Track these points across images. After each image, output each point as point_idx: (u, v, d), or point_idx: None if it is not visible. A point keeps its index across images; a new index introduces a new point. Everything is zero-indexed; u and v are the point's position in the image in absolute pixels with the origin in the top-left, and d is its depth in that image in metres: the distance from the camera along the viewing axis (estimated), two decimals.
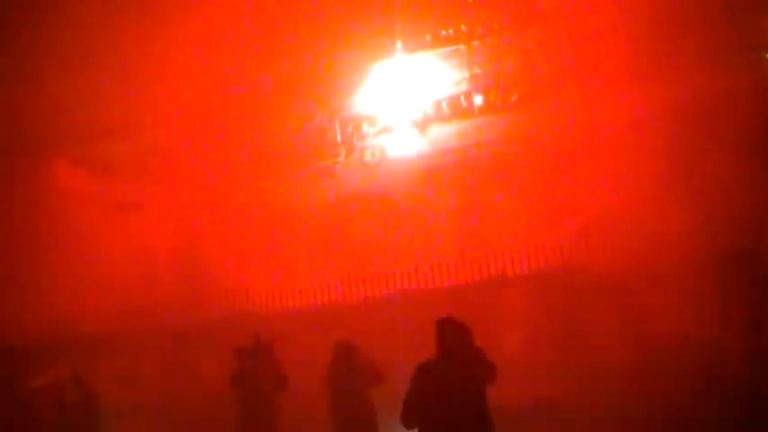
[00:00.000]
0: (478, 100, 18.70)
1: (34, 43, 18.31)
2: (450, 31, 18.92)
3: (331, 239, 17.53)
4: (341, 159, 18.94)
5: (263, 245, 17.24)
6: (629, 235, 14.03)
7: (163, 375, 15.11)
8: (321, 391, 11.32)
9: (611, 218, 14.58)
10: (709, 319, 12.05)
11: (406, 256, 16.35)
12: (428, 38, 19.07)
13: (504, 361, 8.27)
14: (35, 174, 18.68)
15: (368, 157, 18.81)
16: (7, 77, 18.33)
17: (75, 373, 13.66)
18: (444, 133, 18.61)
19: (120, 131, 18.84)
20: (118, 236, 17.39)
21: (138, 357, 15.18)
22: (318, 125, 19.26)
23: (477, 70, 18.55)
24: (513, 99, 18.25)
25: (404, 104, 19.02)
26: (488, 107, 18.57)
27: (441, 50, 18.86)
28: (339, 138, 19.25)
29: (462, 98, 18.78)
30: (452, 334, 7.96)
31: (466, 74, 18.62)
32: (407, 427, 8.01)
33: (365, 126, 19.16)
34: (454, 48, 18.76)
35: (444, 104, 18.91)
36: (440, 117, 18.89)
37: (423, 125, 18.87)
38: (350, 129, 19.27)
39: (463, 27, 18.83)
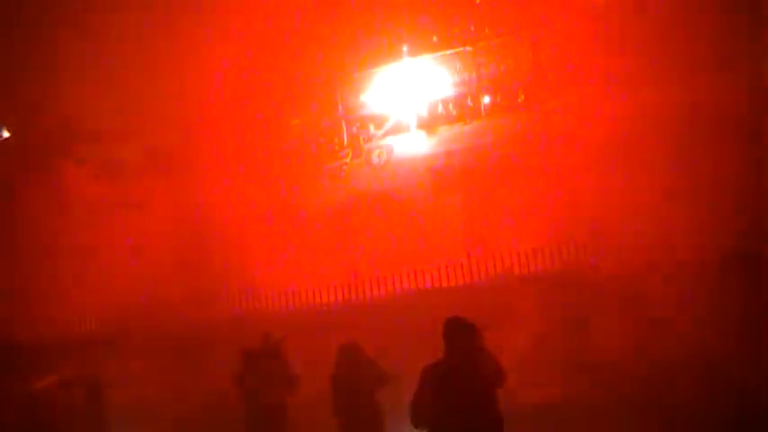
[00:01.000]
0: (485, 101, 18.71)
1: (41, 47, 18.41)
2: (458, 33, 18.93)
3: (338, 240, 17.55)
4: (348, 160, 18.97)
5: (270, 245, 17.26)
6: (634, 236, 14.00)
7: (169, 375, 15.11)
8: (327, 391, 11.30)
9: (617, 219, 14.55)
10: (713, 322, 12.03)
11: (413, 256, 16.34)
12: (435, 39, 19.10)
13: (510, 362, 8.27)
14: (41, 175, 18.76)
15: (375, 158, 18.84)
16: (15, 80, 18.44)
17: (82, 374, 13.70)
18: (451, 135, 18.63)
19: (127, 133, 18.91)
20: (124, 236, 17.44)
21: (145, 357, 15.19)
22: (326, 126, 19.31)
23: (484, 72, 18.55)
24: (519, 100, 18.27)
25: (411, 106, 19.04)
26: (495, 108, 18.59)
27: (448, 52, 18.87)
28: (346, 139, 19.29)
29: (469, 99, 18.81)
30: (460, 333, 7.94)
31: (473, 75, 18.63)
32: (417, 426, 8.00)
33: (372, 127, 19.19)
34: (461, 49, 18.77)
35: (451, 106, 18.94)
36: (446, 118, 18.91)
37: (429, 126, 18.90)
38: (356, 130, 19.30)
39: (470, 29, 18.86)
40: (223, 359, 12.77)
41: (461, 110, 18.88)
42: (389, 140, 18.99)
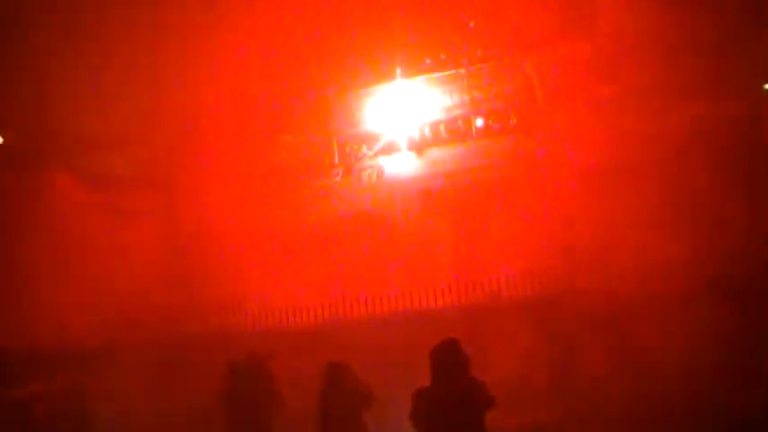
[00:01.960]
0: (477, 123, 18.74)
1: (35, 55, 18.38)
2: (450, 55, 18.98)
3: (326, 259, 17.53)
4: (338, 179, 18.95)
5: (259, 261, 17.20)
6: (624, 262, 14.04)
7: (155, 388, 15.01)
8: (312, 409, 11.23)
9: (607, 244, 14.59)
10: (700, 349, 12.06)
11: (402, 277, 16.33)
12: (428, 61, 19.14)
13: (496, 386, 8.26)
14: (32, 184, 18.67)
15: (365, 178, 18.82)
16: (8, 89, 18.39)
17: (69, 385, 13.62)
18: (442, 156, 18.65)
19: (118, 143, 18.87)
20: (114, 248, 17.35)
21: (131, 370, 15.09)
22: (317, 144, 19.29)
23: (476, 94, 18.59)
24: (511, 123, 18.31)
25: (402, 126, 19.06)
26: (486, 131, 18.62)
27: (440, 74, 18.92)
28: (337, 158, 19.28)
29: (460, 121, 18.83)
30: (448, 361, 7.94)
31: (465, 97, 18.67)
32: None
33: (363, 147, 19.19)
34: (453, 71, 18.81)
35: (442, 127, 18.95)
36: (438, 140, 18.92)
37: (421, 147, 18.91)
38: (348, 149, 19.30)
39: (463, 51, 18.90)
40: (209, 374, 12.71)
41: (453, 131, 18.88)
42: (380, 160, 18.98)
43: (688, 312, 12.64)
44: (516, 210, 16.90)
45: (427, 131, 19.02)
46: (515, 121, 18.29)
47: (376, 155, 19.08)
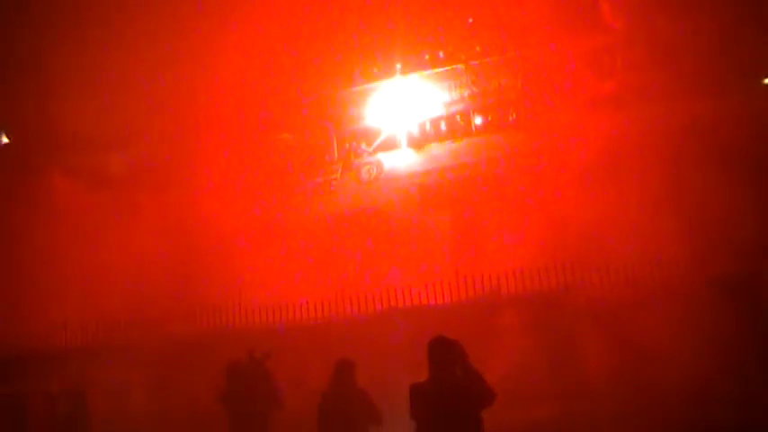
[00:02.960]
0: (476, 119, 18.76)
1: (34, 55, 18.40)
2: (449, 51, 18.99)
3: (326, 255, 17.55)
4: (338, 176, 18.98)
5: (258, 258, 17.22)
6: (623, 257, 14.06)
7: (154, 387, 15.04)
8: (310, 409, 11.18)
9: (606, 240, 14.60)
10: (700, 344, 12.07)
11: (401, 273, 16.34)
12: (426, 57, 19.15)
13: (495, 381, 8.27)
14: (31, 183, 18.70)
15: (364, 174, 18.85)
16: (7, 89, 18.42)
17: (67, 383, 13.64)
18: (441, 152, 18.67)
19: (118, 143, 18.87)
20: (112, 247, 17.36)
21: (130, 369, 15.10)
22: (316, 141, 19.32)
23: (476, 90, 18.61)
24: (511, 119, 18.33)
25: (402, 123, 19.08)
26: (486, 127, 18.64)
27: (439, 70, 18.93)
28: (336, 154, 19.30)
29: (460, 117, 18.85)
30: (445, 354, 7.95)
31: (464, 93, 18.68)
32: None
33: (363, 144, 19.22)
34: (452, 67, 18.83)
35: (442, 123, 18.98)
36: (437, 136, 18.94)
37: (420, 144, 18.93)
38: (347, 146, 19.33)
39: (461, 47, 18.93)
40: (209, 372, 12.71)
41: (452, 127, 18.91)
42: (380, 156, 19.01)
43: (687, 310, 12.63)
44: (515, 206, 16.93)
45: (427, 127, 19.03)
46: (515, 116, 18.31)
47: (375, 151, 19.11)
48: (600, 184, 15.69)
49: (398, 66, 19.24)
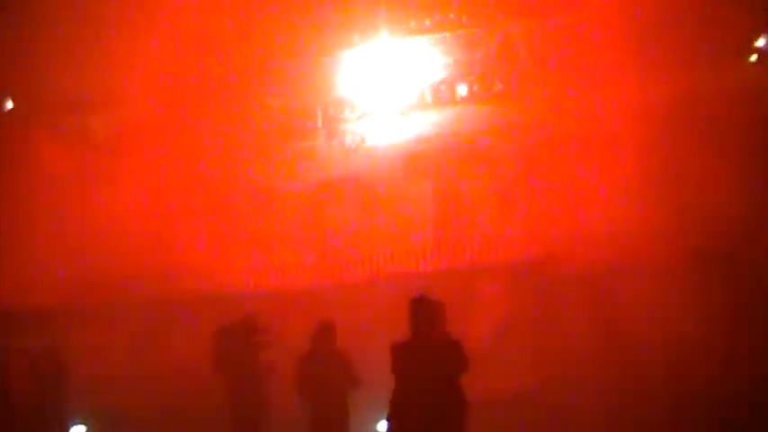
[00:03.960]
0: (461, 89, 18.72)
1: (7, 12, 18.15)
2: (436, 20, 18.91)
3: (307, 221, 17.57)
4: (320, 142, 18.92)
5: (239, 223, 17.21)
6: (605, 229, 14.16)
7: (134, 349, 15.05)
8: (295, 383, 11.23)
9: (589, 212, 14.70)
10: (682, 317, 12.21)
11: (382, 240, 16.39)
12: (413, 24, 19.06)
13: (475, 350, 8.35)
14: (8, 145, 18.55)
15: (348, 141, 18.80)
16: None
17: (48, 344, 13.63)
18: (426, 121, 18.62)
19: (100, 104, 18.73)
20: (93, 208, 17.29)
21: (110, 330, 15.11)
22: (300, 107, 19.24)
23: (461, 59, 18.56)
24: (496, 90, 18.30)
25: (386, 90, 19.01)
26: (471, 97, 18.61)
27: (425, 37, 18.85)
28: (320, 121, 19.23)
29: (445, 86, 18.80)
30: (425, 314, 8.02)
31: (450, 62, 18.63)
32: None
33: (347, 110, 19.14)
34: (439, 35, 18.76)
35: (427, 92, 18.91)
36: (422, 104, 18.89)
37: (405, 112, 18.88)
38: (331, 112, 19.26)
39: (450, 15, 18.85)
40: (189, 335, 12.77)
41: (437, 97, 18.86)
42: (364, 124, 18.96)
43: (671, 283, 12.77)
44: (498, 176, 16.98)
45: (411, 96, 18.97)
46: (500, 87, 18.29)
47: (359, 118, 19.05)
48: (584, 158, 15.78)
49: (384, 32, 19.13)
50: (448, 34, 18.64)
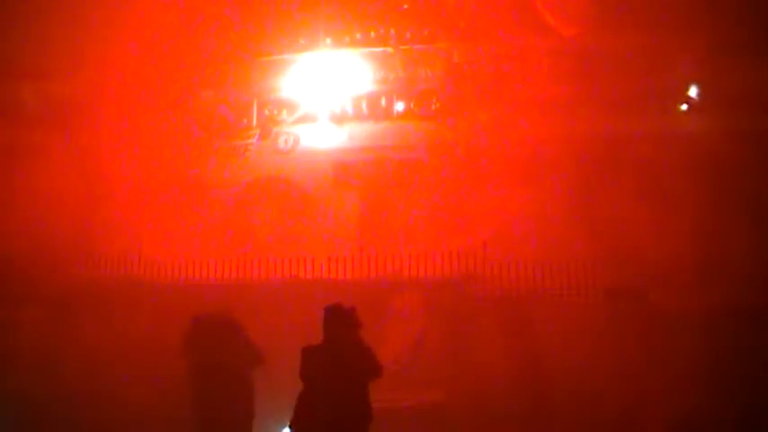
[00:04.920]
0: (398, 104, 18.86)
1: None
2: (380, 33, 19.04)
3: (233, 217, 17.49)
4: (254, 141, 18.87)
5: (162, 212, 17.01)
6: (526, 253, 14.39)
7: (49, 326, 14.74)
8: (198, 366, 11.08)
9: (512, 235, 14.93)
10: (592, 346, 12.46)
11: (305, 244, 16.39)
12: (358, 36, 19.16)
13: (387, 361, 8.41)
14: None
15: (281, 143, 18.78)
16: None
17: None
18: (360, 132, 18.72)
19: (31, 76, 18.36)
20: (16, 186, 16.96)
21: (23, 306, 14.81)
22: (237, 104, 19.18)
23: (402, 75, 18.70)
24: (432, 108, 18.46)
25: (325, 97, 19.05)
26: (406, 113, 18.75)
27: (368, 50, 18.96)
28: (255, 120, 19.18)
29: (383, 100, 18.91)
30: (338, 319, 8.06)
31: (389, 77, 18.76)
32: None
33: (284, 113, 19.13)
34: (381, 49, 18.88)
35: (364, 104, 19.00)
36: (358, 115, 18.97)
37: (340, 120, 18.93)
38: (267, 113, 19.22)
39: (392, 31, 18.98)
40: (105, 318, 12.62)
41: (374, 109, 18.95)
42: (298, 128, 18.96)
43: (585, 312, 13.03)
44: (426, 192, 17.13)
45: (348, 106, 19.04)
46: (436, 106, 18.45)
47: (295, 122, 19.04)
48: (512, 184, 16.04)
49: (328, 40, 19.19)
50: (391, 49, 18.76)
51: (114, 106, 18.01)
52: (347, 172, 18.15)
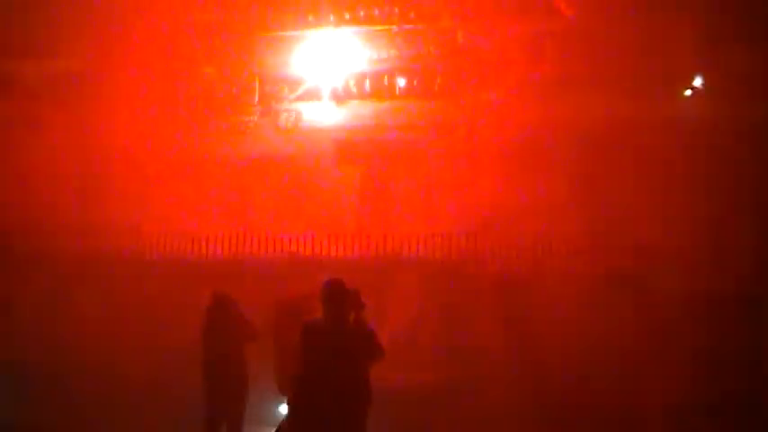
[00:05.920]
0: (401, 82, 18.79)
1: None
2: (385, 11, 18.94)
3: (231, 194, 17.48)
4: (255, 118, 18.82)
5: (162, 187, 16.98)
6: (525, 235, 14.39)
7: (48, 299, 14.74)
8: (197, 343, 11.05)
9: (512, 216, 14.92)
10: (592, 327, 12.47)
11: (304, 222, 16.37)
12: (361, 14, 19.06)
13: (386, 340, 8.38)
14: None
15: (282, 120, 18.73)
16: None
17: None
18: (362, 110, 18.67)
19: (35, 53, 18.32)
20: (22, 156, 16.95)
21: (26, 280, 14.82)
22: (239, 81, 19.11)
23: (405, 53, 18.63)
24: (435, 88, 18.41)
25: (327, 75, 18.98)
26: (409, 91, 18.69)
27: (371, 28, 18.87)
28: (257, 97, 19.13)
29: (385, 78, 18.85)
30: (339, 296, 7.99)
31: (392, 55, 18.68)
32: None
33: (285, 90, 19.06)
34: (385, 27, 18.80)
35: (367, 82, 18.94)
36: (360, 93, 18.92)
37: (342, 99, 18.88)
38: (269, 90, 19.16)
39: (396, 9, 18.90)
40: (104, 291, 12.62)
41: (376, 87, 18.90)
42: (300, 106, 18.90)
43: (583, 296, 13.03)
44: (426, 172, 17.10)
45: (351, 84, 18.98)
46: (440, 84, 18.39)
47: (296, 99, 18.99)
48: (514, 165, 15.99)
49: (331, 17, 19.09)
50: (394, 27, 18.68)
51: (115, 81, 17.92)
52: (348, 150, 18.10)
